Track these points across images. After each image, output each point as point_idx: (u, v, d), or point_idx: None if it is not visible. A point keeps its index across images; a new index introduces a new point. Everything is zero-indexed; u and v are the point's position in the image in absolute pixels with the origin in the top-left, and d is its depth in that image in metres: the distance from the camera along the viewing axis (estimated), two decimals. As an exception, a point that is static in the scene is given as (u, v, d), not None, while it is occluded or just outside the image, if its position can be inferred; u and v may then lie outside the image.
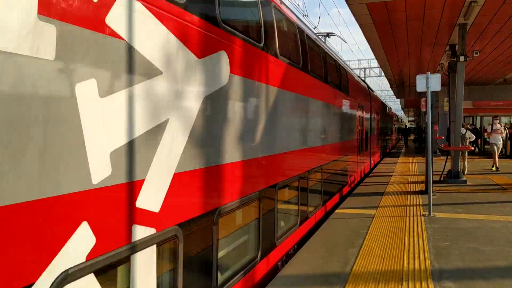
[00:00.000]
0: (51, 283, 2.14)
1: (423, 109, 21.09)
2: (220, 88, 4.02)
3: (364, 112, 15.44)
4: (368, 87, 20.56)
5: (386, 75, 25.31)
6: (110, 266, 2.58)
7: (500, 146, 16.57)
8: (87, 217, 2.38)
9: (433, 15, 11.29)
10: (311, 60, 7.57)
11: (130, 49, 2.75)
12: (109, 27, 2.55)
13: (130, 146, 2.75)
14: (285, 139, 6.22)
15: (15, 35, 1.97)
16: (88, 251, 2.38)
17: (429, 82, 8.57)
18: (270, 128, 5.51)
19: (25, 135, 2.02)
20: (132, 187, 2.78)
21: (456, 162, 12.87)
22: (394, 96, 44.49)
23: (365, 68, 42.06)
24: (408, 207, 8.99)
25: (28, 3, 2.03)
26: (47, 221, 2.14)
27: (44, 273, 2.11)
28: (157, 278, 3.06)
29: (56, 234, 2.19)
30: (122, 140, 2.67)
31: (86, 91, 2.37)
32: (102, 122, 2.50)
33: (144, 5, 2.87)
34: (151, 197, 2.97)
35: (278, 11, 5.95)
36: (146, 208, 2.91)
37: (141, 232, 2.85)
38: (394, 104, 66.05)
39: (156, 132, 3.03)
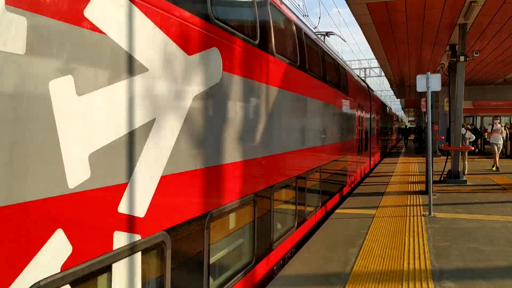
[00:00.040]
0: None
1: (423, 109, 21.16)
2: (211, 87, 3.87)
3: (363, 112, 15.41)
4: (368, 86, 20.54)
5: (386, 75, 25.32)
6: (88, 276, 2.42)
7: (501, 146, 16.57)
8: (62, 224, 2.22)
9: (433, 15, 11.29)
10: (309, 58, 7.43)
11: (112, 44, 2.59)
12: (88, 20, 2.40)
13: (112, 147, 2.58)
14: (282, 139, 6.07)
15: None
16: (63, 261, 2.23)
17: (429, 82, 8.57)
18: (266, 129, 5.37)
19: None
20: (114, 191, 2.61)
21: (456, 162, 12.87)
22: (394, 96, 44.47)
23: (365, 68, 42.08)
24: (408, 207, 8.99)
25: None
26: (14, 230, 1.98)
27: (12, 286, 1.96)
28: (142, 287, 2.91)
29: (25, 243, 2.03)
30: (103, 141, 2.51)
31: (62, 88, 2.22)
32: (81, 122, 2.34)
33: None
34: (135, 201, 2.81)
35: (274, 8, 5.78)
36: (129, 213, 2.75)
37: (123, 239, 2.68)
38: (394, 104, 66.03)
39: (141, 132, 2.87)
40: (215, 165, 3.99)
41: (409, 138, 48.03)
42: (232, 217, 4.65)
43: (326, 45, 10.78)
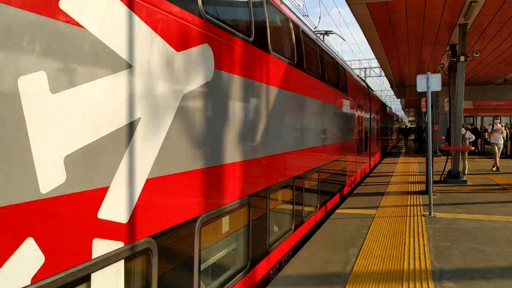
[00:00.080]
0: None
1: (424, 109, 21.10)
2: (202, 85, 3.69)
3: (363, 112, 15.39)
4: (368, 86, 20.52)
5: (386, 75, 25.32)
6: (64, 287, 2.26)
7: (501, 146, 16.57)
8: (32, 232, 2.05)
9: (433, 15, 11.29)
10: (307, 57, 7.25)
11: (92, 39, 2.42)
12: (64, 12, 2.24)
13: (91, 149, 2.41)
14: (278, 140, 5.88)
15: None
16: (34, 272, 2.06)
17: (429, 82, 8.57)
18: (262, 129, 5.20)
19: None
20: (93, 196, 2.44)
21: (457, 162, 12.87)
22: (395, 96, 44.45)
23: (365, 68, 42.06)
24: (408, 207, 8.98)
25: None
26: None
27: None
28: None
29: None
30: (81, 142, 2.34)
31: (33, 85, 2.06)
32: (55, 122, 2.17)
33: None
34: (117, 206, 2.63)
35: (270, 4, 5.59)
36: (110, 219, 2.57)
37: (104, 246, 2.50)
38: (394, 104, 66.06)
39: (124, 133, 2.69)
40: (206, 167, 3.81)
41: (409, 138, 48.05)
42: (225, 221, 4.46)
43: (325, 44, 10.73)
